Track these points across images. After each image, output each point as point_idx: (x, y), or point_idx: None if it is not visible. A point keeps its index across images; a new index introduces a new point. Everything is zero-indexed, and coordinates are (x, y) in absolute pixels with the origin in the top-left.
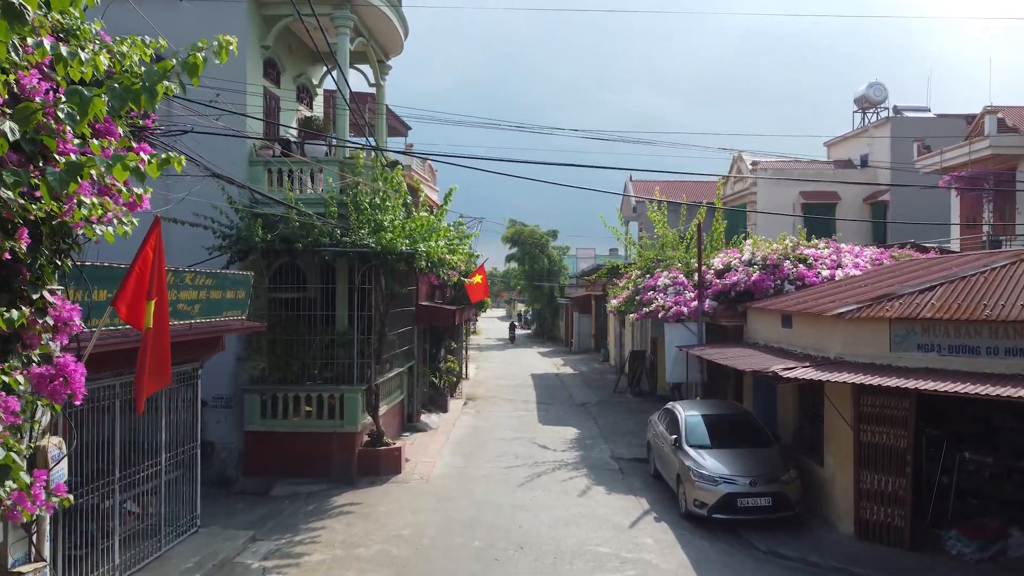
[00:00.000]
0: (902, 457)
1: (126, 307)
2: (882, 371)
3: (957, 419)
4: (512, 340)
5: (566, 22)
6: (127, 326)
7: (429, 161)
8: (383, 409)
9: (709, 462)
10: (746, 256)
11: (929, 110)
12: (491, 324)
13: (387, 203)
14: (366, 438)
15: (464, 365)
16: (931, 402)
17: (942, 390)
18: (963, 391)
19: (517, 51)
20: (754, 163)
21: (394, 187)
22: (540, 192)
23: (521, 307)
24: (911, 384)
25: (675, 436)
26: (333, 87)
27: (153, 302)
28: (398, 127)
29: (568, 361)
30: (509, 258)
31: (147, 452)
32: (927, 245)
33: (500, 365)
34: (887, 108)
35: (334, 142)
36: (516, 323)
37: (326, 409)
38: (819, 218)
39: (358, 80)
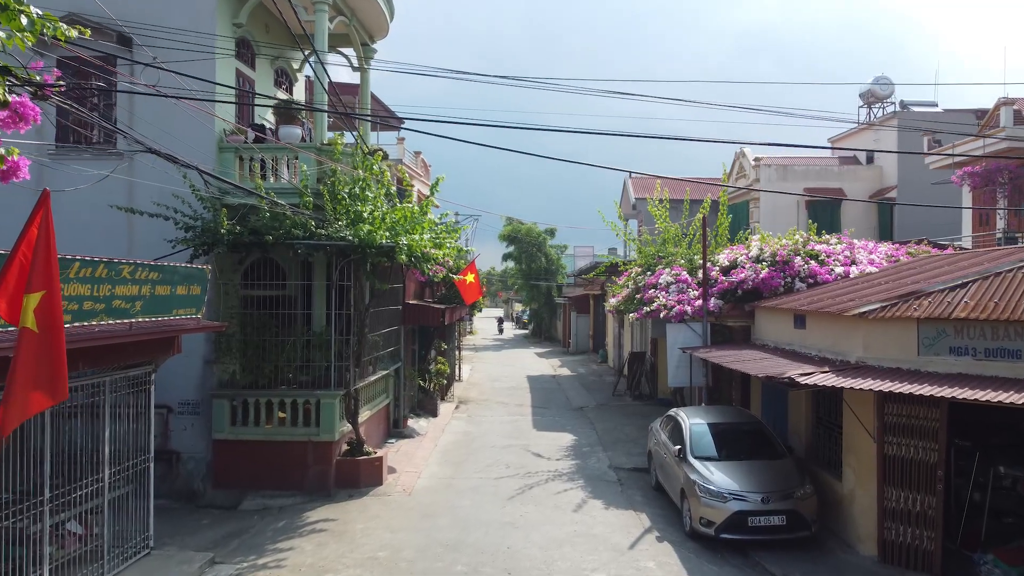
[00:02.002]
0: (932, 472)
1: (7, 302)
2: (910, 377)
3: (984, 429)
4: (500, 332)
5: (559, 22)
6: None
7: (421, 156)
8: (365, 415)
9: (716, 476)
10: (753, 252)
11: (936, 105)
12: (488, 324)
13: (367, 193)
14: (345, 447)
15: (457, 367)
16: (959, 411)
17: (983, 399)
18: (1008, 401)
19: (511, 51)
20: (756, 159)
21: (375, 175)
22: (538, 191)
23: (518, 307)
24: (946, 392)
25: (679, 447)
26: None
27: (39, 295)
28: (390, 120)
29: (565, 362)
30: (506, 257)
31: (90, 467)
32: (943, 242)
33: (495, 366)
34: (893, 103)
35: (310, 124)
36: (503, 318)
37: (301, 416)
38: (825, 197)
39: (342, 68)
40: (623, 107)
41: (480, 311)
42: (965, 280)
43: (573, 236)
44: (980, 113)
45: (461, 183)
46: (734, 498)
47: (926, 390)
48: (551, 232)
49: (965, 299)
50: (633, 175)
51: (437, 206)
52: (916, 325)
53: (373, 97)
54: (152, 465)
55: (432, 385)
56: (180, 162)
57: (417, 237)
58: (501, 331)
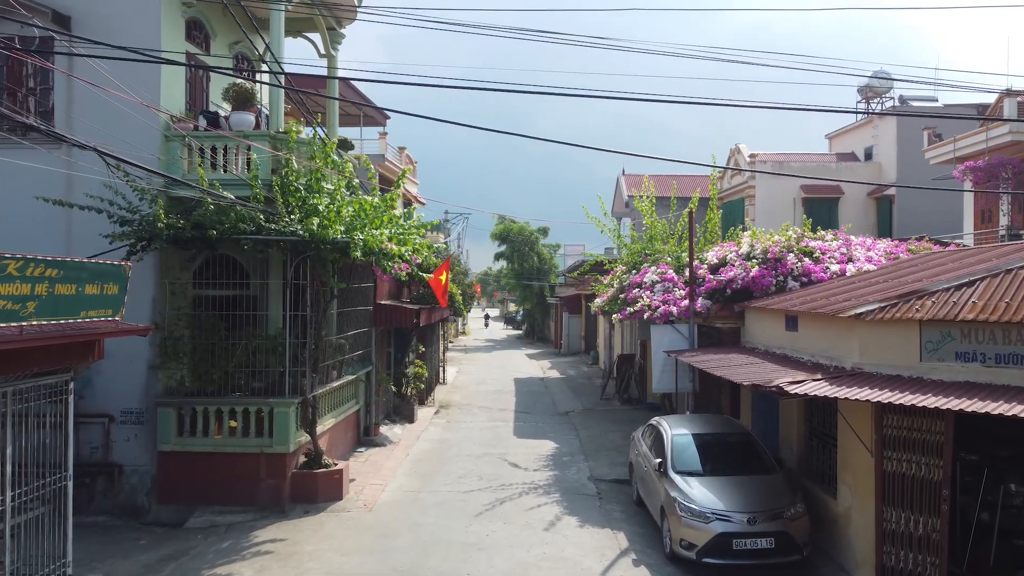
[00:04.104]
0: (936, 492)
1: None
2: (912, 385)
3: (991, 440)
4: (485, 326)
5: (552, 24)
6: None
7: (406, 151)
8: (329, 423)
9: (699, 493)
10: (744, 249)
11: (936, 100)
12: (479, 323)
13: (322, 184)
14: (302, 459)
15: (440, 369)
16: (964, 421)
17: (995, 412)
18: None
19: (507, 53)
20: (752, 155)
21: (332, 164)
22: (535, 192)
23: (513, 307)
24: (952, 404)
25: (660, 459)
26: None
27: None
28: (375, 116)
29: (555, 364)
30: (498, 256)
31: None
32: (944, 240)
33: (483, 368)
34: (892, 98)
35: (264, 111)
36: (488, 314)
37: (253, 426)
38: (823, 191)
39: (309, 53)
40: (614, 107)
41: (469, 311)
42: (972, 278)
43: (568, 235)
44: (982, 108)
45: (456, 183)
46: (717, 518)
47: (930, 401)
48: (544, 231)
49: (972, 299)
50: (627, 172)
51: (423, 203)
52: (918, 328)
53: (355, 90)
54: (71, 484)
55: (409, 390)
56: (70, 141)
57: (377, 232)
58: (487, 325)
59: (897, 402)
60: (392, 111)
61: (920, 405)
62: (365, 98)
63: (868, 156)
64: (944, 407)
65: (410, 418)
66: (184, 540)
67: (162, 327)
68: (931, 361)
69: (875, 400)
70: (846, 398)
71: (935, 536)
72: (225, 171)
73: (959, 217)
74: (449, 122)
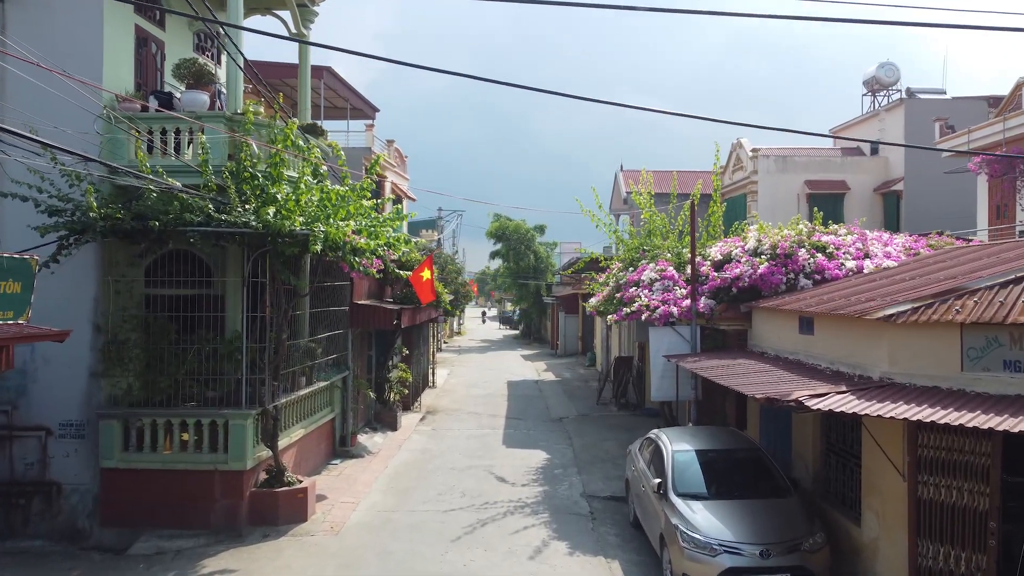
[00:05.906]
0: (982, 523)
1: None
2: (953, 399)
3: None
4: (483, 323)
5: (550, 24)
6: None
7: (395, 144)
8: (297, 434)
9: (704, 520)
10: (750, 245)
11: (945, 92)
12: (476, 323)
13: (282, 171)
14: (263, 475)
15: (430, 372)
16: (1010, 440)
17: None
18: None
19: (504, 53)
20: (754, 150)
21: (294, 149)
22: (534, 191)
23: (510, 306)
24: (1009, 424)
25: (659, 480)
26: (256, 47)
27: None
28: (364, 109)
29: (551, 366)
30: (494, 255)
31: None
32: (966, 235)
33: (476, 370)
34: (899, 91)
35: (221, 90)
36: (485, 311)
37: (207, 439)
38: (828, 187)
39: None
40: (611, 108)
41: (462, 311)
42: (1019, 274)
43: (566, 234)
44: (993, 100)
45: (455, 185)
46: (725, 550)
47: (980, 420)
48: (540, 228)
49: (1023, 298)
50: (625, 168)
51: (412, 199)
52: (959, 332)
53: (344, 84)
54: None
55: (392, 395)
56: None
57: (343, 224)
58: (484, 322)
59: (941, 421)
60: (364, 55)
61: (970, 425)
62: (361, 96)
63: (874, 151)
64: (1000, 427)
65: (393, 426)
66: (123, 569)
67: (105, 329)
68: (974, 371)
69: (914, 418)
70: (879, 415)
71: (979, 575)
72: (177, 156)
73: (971, 213)
74: (431, 69)
